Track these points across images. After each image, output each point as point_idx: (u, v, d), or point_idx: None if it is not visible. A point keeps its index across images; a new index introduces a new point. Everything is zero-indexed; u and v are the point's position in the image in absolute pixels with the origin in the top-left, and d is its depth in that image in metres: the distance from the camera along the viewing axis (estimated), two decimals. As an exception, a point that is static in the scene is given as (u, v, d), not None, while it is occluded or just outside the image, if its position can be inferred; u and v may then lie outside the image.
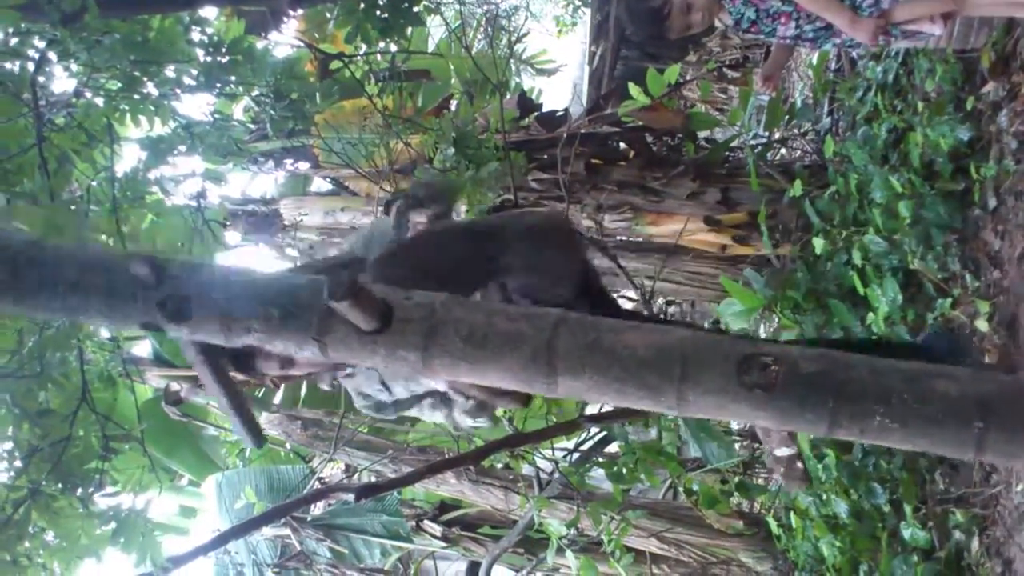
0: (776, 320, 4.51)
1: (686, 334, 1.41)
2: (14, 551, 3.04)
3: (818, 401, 1.34)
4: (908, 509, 3.32)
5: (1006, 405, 1.31)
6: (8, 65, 3.66)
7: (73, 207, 3.60)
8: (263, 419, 6.10)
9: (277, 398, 6.43)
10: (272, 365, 2.34)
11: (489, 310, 1.47)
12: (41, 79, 3.73)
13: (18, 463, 3.30)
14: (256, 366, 2.38)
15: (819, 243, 4.27)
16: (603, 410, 4.98)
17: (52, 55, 3.75)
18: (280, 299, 1.46)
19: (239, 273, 1.54)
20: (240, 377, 2.43)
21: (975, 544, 3.09)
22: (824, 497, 3.85)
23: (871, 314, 3.75)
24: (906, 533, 3.30)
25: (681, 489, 5.27)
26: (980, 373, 1.36)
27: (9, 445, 3.35)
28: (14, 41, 3.64)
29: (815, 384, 1.34)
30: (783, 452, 1.73)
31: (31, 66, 3.69)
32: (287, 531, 5.71)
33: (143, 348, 6.34)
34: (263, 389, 6.49)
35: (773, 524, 4.49)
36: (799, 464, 1.70)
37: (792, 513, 4.18)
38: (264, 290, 1.48)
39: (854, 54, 5.00)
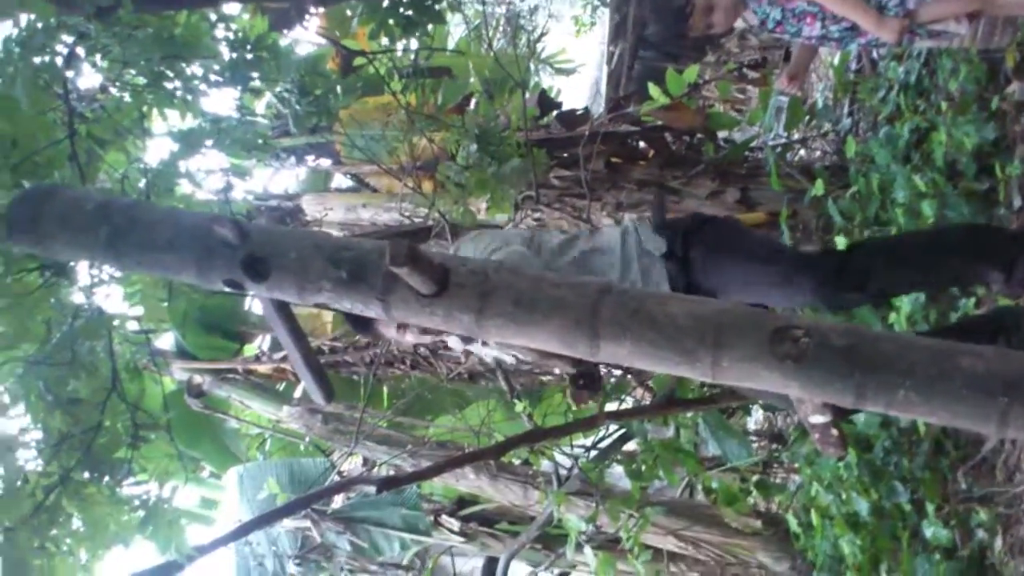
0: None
1: (723, 306, 1.47)
2: (45, 536, 3.09)
3: (846, 373, 1.39)
4: (930, 508, 3.32)
5: None
6: (37, 59, 3.72)
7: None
8: (284, 412, 6.16)
9: (298, 391, 6.49)
10: (391, 328, 2.53)
11: (536, 277, 1.57)
12: (70, 73, 3.79)
13: (47, 450, 3.35)
14: (375, 328, 2.59)
15: (841, 242, 4.27)
16: (621, 408, 5.01)
17: (80, 49, 3.81)
18: (348, 261, 1.58)
19: (313, 237, 1.68)
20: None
21: (998, 543, 3.09)
22: (844, 495, 3.85)
23: (893, 314, 3.75)
24: (928, 532, 3.30)
25: (699, 487, 5.29)
26: (1007, 352, 1.39)
27: (39, 434, 3.40)
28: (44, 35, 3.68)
29: (844, 357, 1.40)
30: (818, 420, 1.77)
31: (59, 60, 3.74)
32: (308, 523, 5.77)
33: (166, 341, 6.43)
34: (284, 383, 6.56)
35: (793, 522, 4.50)
36: (834, 431, 1.75)
37: (812, 511, 4.18)
38: (334, 252, 1.60)
39: (875, 54, 5.00)
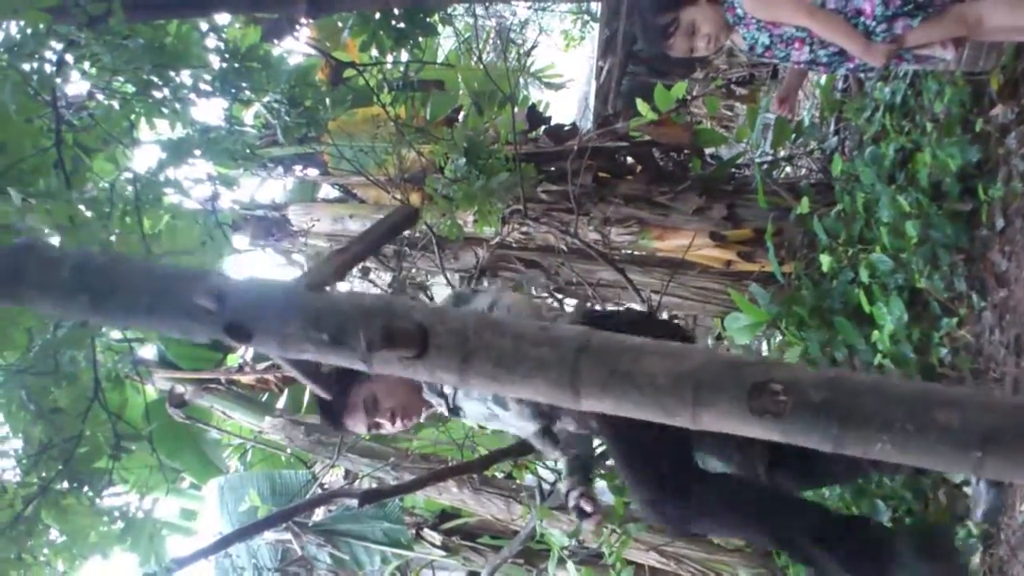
0: (780, 336, 4.54)
1: (702, 359, 1.50)
2: (22, 547, 3.06)
3: (825, 428, 1.42)
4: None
5: (1007, 435, 1.36)
6: (26, 66, 3.70)
7: (82, 208, 3.63)
8: (266, 423, 6.13)
9: (280, 402, 6.46)
10: (360, 426, 2.64)
11: (516, 334, 1.57)
12: (58, 80, 3.77)
13: (26, 461, 3.32)
14: (346, 427, 2.82)
15: (825, 260, 4.30)
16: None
17: (69, 57, 3.79)
18: (328, 325, 1.60)
19: (289, 298, 1.67)
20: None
21: (977, 562, 3.11)
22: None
23: (876, 332, 3.78)
24: (908, 550, 3.31)
25: (682, 503, 5.26)
26: (986, 400, 1.41)
27: (18, 444, 3.37)
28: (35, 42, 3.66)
29: (823, 412, 1.42)
30: None
31: (47, 67, 3.73)
32: (288, 536, 5.73)
33: (148, 350, 6.38)
34: (267, 394, 6.53)
35: (774, 539, 4.50)
36: None
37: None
38: (315, 316, 1.61)
39: (861, 75, 5.05)
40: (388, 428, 2.79)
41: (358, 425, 2.78)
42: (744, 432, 1.47)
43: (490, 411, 2.77)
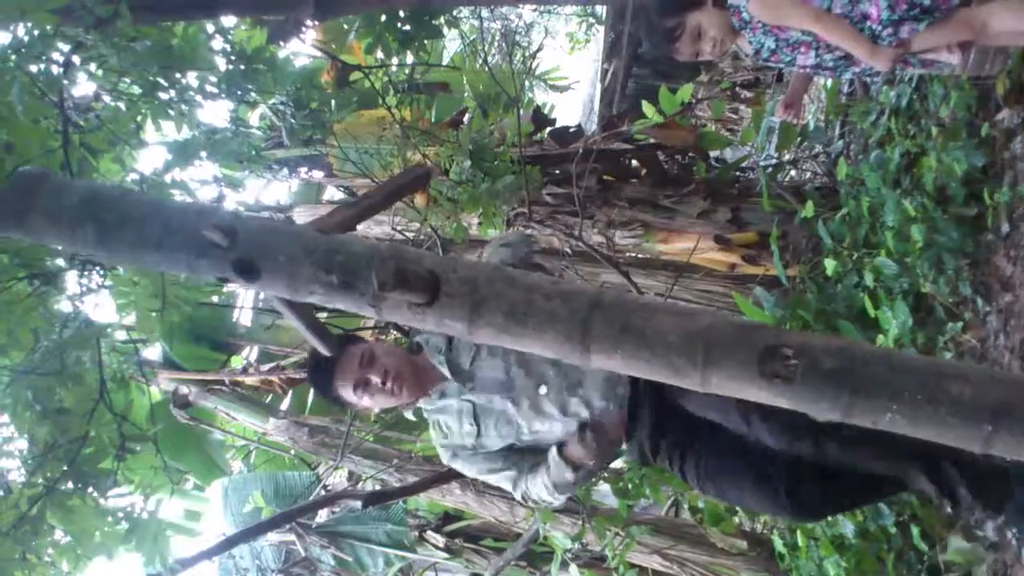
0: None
1: (714, 320, 1.48)
2: (28, 546, 3.07)
3: (834, 395, 1.40)
4: (916, 531, 3.34)
5: (1018, 409, 1.35)
6: (34, 67, 3.72)
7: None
8: (270, 424, 6.14)
9: (284, 404, 6.46)
10: (348, 384, 2.59)
11: (528, 286, 1.54)
12: (65, 82, 3.78)
13: (31, 461, 3.33)
14: (335, 392, 2.63)
15: (830, 264, 4.30)
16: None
17: (76, 58, 3.81)
18: (339, 267, 1.56)
19: (302, 238, 1.62)
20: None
21: (983, 567, 3.11)
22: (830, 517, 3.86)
23: (881, 336, 3.78)
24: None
25: (685, 506, 5.28)
26: (998, 374, 1.40)
27: (24, 444, 3.38)
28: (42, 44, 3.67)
29: (833, 379, 1.41)
30: None
31: (55, 69, 3.74)
32: (292, 537, 5.74)
33: (153, 351, 6.40)
34: (271, 395, 6.53)
35: (778, 543, 4.50)
36: None
37: (798, 532, 4.19)
38: (325, 257, 1.57)
39: (867, 79, 5.05)
40: (376, 391, 2.57)
41: (347, 381, 2.56)
42: (752, 396, 1.45)
43: (508, 377, 2.60)
